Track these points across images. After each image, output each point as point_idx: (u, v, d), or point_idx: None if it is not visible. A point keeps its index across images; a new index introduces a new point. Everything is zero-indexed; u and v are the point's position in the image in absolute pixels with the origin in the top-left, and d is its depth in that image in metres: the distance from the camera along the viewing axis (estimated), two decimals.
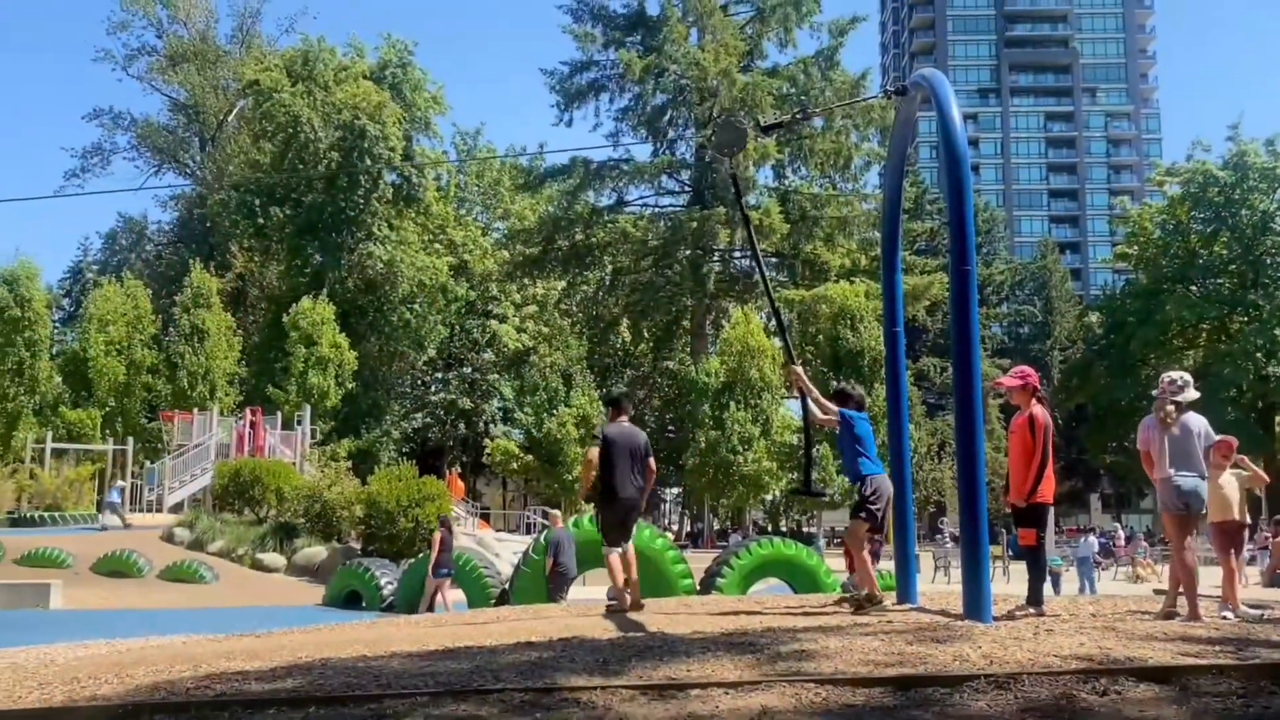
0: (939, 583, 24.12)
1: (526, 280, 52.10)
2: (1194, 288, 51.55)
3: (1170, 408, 6.80)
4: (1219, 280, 51.55)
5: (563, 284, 51.30)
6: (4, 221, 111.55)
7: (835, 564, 15.49)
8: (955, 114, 6.87)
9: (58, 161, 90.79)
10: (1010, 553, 26.20)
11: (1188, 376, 7.06)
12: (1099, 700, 4.02)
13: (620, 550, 7.95)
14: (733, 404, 39.62)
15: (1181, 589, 6.82)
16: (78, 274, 64.08)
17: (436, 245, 50.51)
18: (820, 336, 42.69)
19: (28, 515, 30.18)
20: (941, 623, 6.23)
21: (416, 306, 47.79)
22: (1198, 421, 6.94)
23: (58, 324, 50.92)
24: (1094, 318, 63.06)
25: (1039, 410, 6.89)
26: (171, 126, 60.85)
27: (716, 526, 48.26)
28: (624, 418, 8.38)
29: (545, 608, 9.59)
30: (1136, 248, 54.30)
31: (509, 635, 6.21)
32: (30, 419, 40.75)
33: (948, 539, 28.75)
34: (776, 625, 6.27)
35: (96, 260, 64.03)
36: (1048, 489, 6.79)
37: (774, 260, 48.16)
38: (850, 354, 40.67)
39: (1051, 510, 7.43)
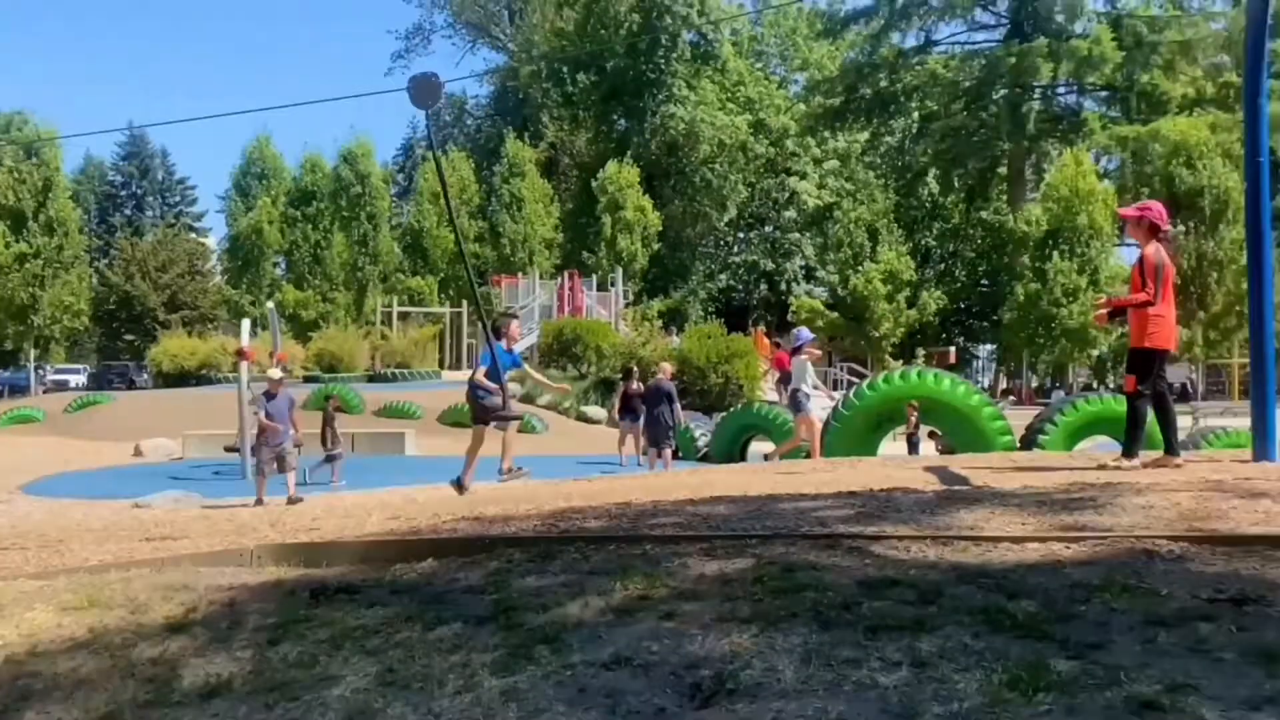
0: None
1: (827, 134, 50.50)
2: None
3: None
4: None
5: (866, 135, 49.44)
6: (343, 106, 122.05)
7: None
8: None
9: (384, 45, 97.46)
10: None
11: None
12: None
13: None
14: (1056, 254, 37.04)
15: None
16: (409, 150, 69.08)
17: (732, 104, 50.04)
18: (1156, 178, 38.50)
19: (382, 372, 33.74)
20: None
21: (717, 166, 47.88)
22: None
23: (395, 198, 55.39)
24: None
25: (1151, 249, 6.80)
26: (482, 1, 63.14)
27: (1035, 383, 45.95)
28: None
29: (862, 460, 9.54)
30: None
31: (829, 485, 6.23)
32: (377, 286, 45.28)
33: None
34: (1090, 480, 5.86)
35: (424, 137, 68.65)
36: (1161, 335, 6.79)
37: (1104, 95, 43.99)
38: (1190, 193, 36.37)
39: (1163, 356, 6.94)
